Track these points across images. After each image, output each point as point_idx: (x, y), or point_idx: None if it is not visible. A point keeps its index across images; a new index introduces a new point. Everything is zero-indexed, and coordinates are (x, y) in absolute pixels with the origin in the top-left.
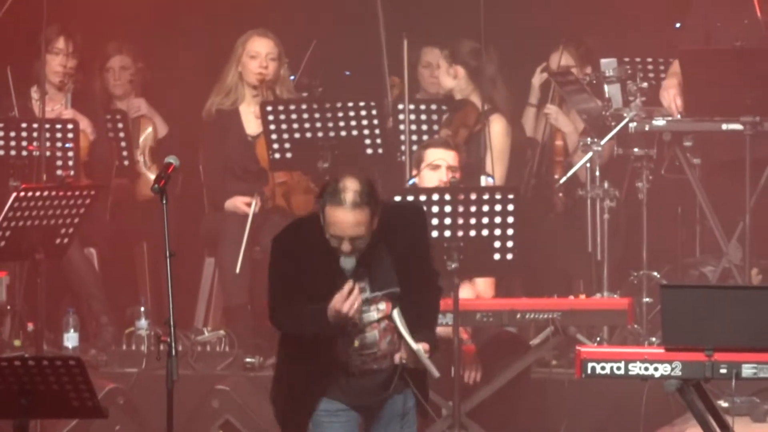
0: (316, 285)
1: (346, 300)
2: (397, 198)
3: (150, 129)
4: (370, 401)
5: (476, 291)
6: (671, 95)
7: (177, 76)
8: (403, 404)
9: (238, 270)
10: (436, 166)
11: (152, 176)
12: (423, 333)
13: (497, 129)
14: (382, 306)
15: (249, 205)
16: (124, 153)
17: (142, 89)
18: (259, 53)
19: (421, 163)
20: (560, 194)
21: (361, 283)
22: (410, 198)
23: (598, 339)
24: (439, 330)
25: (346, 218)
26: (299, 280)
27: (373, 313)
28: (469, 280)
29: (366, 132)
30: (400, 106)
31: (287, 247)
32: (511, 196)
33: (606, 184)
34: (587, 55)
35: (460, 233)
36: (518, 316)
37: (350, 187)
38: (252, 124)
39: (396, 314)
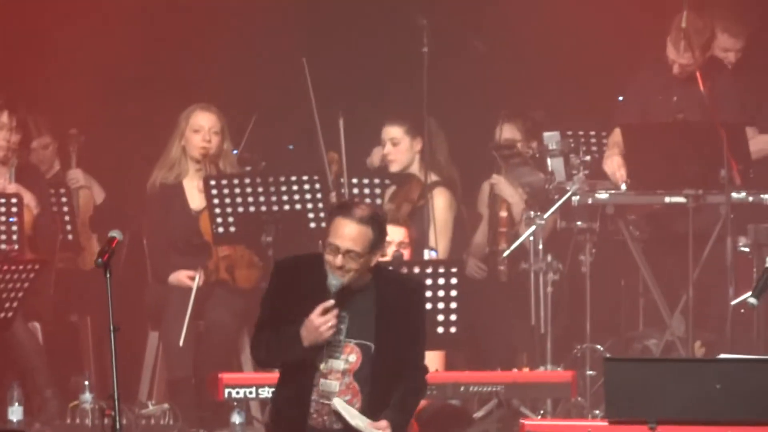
0: (304, 317)
1: (322, 316)
2: None
3: (84, 196)
4: None
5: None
6: (615, 164)
7: (116, 144)
8: None
9: (181, 343)
10: (387, 243)
11: (95, 246)
12: (388, 413)
13: (440, 203)
14: (352, 358)
15: (192, 278)
16: (68, 227)
17: (77, 157)
18: (202, 127)
19: None
20: (502, 266)
21: (340, 325)
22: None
23: (542, 412)
24: None
25: (348, 229)
26: (288, 308)
27: (341, 362)
28: None
29: (309, 206)
30: (343, 180)
31: (286, 273)
32: (454, 270)
33: (549, 257)
34: (533, 129)
35: None
36: (462, 388)
37: (362, 206)
38: (195, 199)
39: (337, 403)
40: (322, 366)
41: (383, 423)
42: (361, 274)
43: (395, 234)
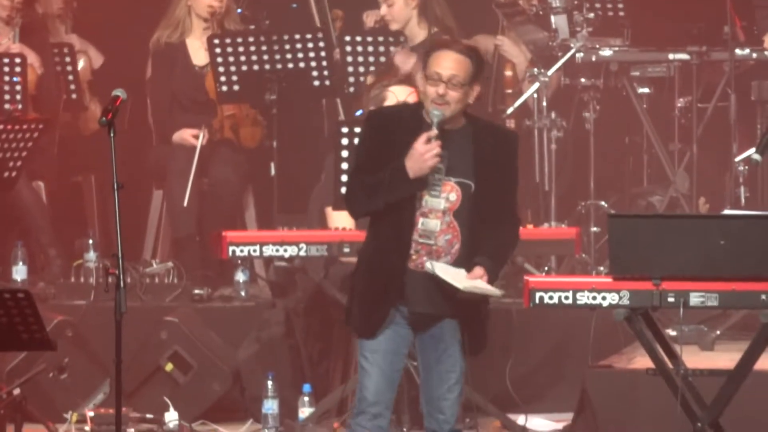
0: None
1: (426, 143)
2: None
3: (83, 60)
4: (422, 309)
5: None
6: None
7: (113, 6)
8: (451, 335)
9: (185, 203)
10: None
11: (94, 108)
12: (484, 260)
13: None
14: (453, 197)
15: (196, 137)
16: (72, 86)
17: (73, 23)
18: None
19: (371, 100)
20: (510, 123)
21: (439, 164)
22: None
23: (546, 269)
24: None
25: (450, 57)
26: (384, 155)
27: (441, 201)
28: None
29: (313, 64)
30: (347, 38)
31: (382, 121)
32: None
33: (553, 115)
34: None
35: None
36: None
37: (459, 42)
38: (200, 56)
39: (430, 266)
40: (423, 204)
41: (479, 270)
42: (459, 109)
43: (400, 92)
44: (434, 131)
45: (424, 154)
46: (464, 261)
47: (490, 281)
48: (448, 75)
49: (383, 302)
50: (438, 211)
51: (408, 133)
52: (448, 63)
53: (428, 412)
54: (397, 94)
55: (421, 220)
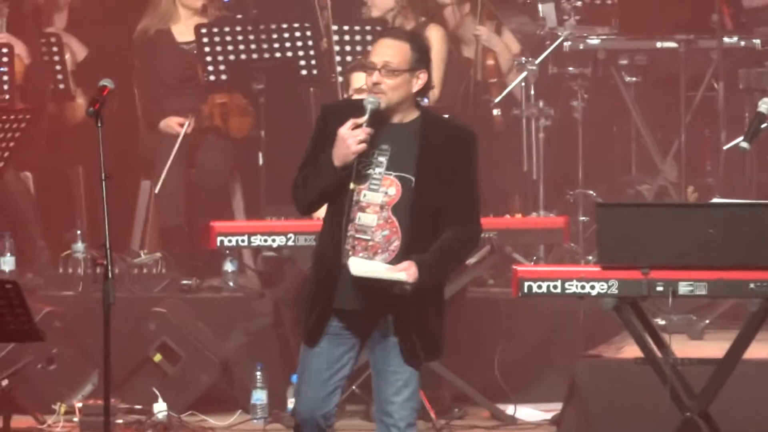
0: None
1: (353, 130)
2: None
3: (67, 54)
4: (354, 307)
5: None
6: None
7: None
8: (387, 335)
9: (157, 190)
10: (362, 90)
11: (79, 100)
12: (416, 256)
13: (434, 35)
14: (392, 191)
15: (182, 125)
16: (60, 76)
17: (57, 14)
18: None
19: (349, 87)
20: (496, 113)
21: (380, 158)
22: None
23: (535, 258)
24: None
25: (384, 44)
26: (330, 150)
27: (379, 195)
28: None
29: (300, 53)
30: (335, 28)
31: (330, 116)
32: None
33: (541, 103)
34: None
35: None
36: None
37: (403, 28)
38: (184, 35)
39: (352, 264)
40: (361, 198)
41: (405, 263)
42: (401, 100)
43: (360, 78)
44: (363, 118)
45: (347, 139)
46: (404, 258)
47: (427, 277)
48: (381, 62)
49: (319, 302)
50: (376, 205)
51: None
52: (382, 50)
53: (377, 417)
54: (358, 79)
55: (358, 214)
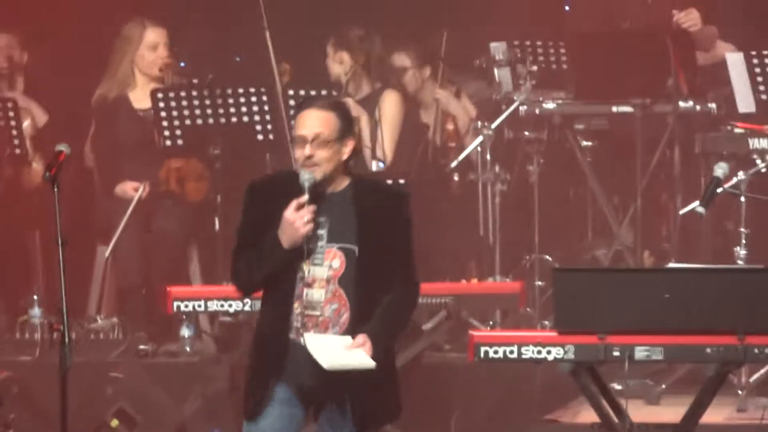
0: None
1: (297, 211)
2: None
3: (27, 120)
4: (310, 382)
5: None
6: None
7: (56, 63)
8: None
9: (107, 254)
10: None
11: (36, 165)
12: (368, 327)
13: (390, 99)
14: (336, 263)
15: (137, 190)
16: (16, 141)
17: (17, 78)
18: (158, 43)
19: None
20: (455, 178)
21: (319, 231)
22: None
23: (491, 323)
24: None
25: (311, 117)
26: (265, 227)
27: (324, 269)
28: None
29: (257, 118)
30: (291, 92)
31: (259, 192)
32: (402, 182)
33: (497, 168)
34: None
35: None
36: None
37: (323, 97)
38: (142, 102)
39: (303, 339)
40: (305, 274)
41: (360, 339)
42: (334, 170)
43: None
44: (304, 197)
45: (294, 222)
46: (355, 331)
47: (381, 347)
48: (311, 135)
49: (264, 379)
50: (322, 279)
51: (286, 200)
52: (311, 122)
53: None
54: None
55: (305, 290)
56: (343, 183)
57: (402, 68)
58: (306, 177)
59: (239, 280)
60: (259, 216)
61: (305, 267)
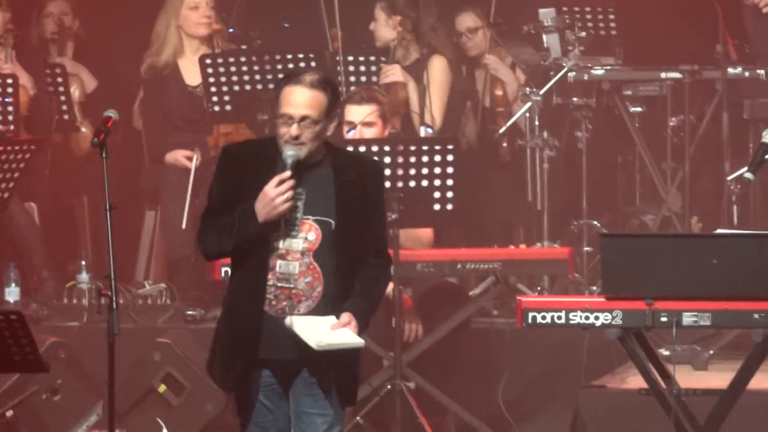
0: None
1: (278, 186)
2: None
3: (75, 85)
4: (283, 357)
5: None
6: None
7: (106, 29)
8: (323, 378)
9: (183, 225)
10: (353, 123)
11: (85, 131)
12: (350, 302)
13: (437, 65)
14: (312, 236)
15: (190, 159)
16: (64, 107)
17: (67, 44)
18: (199, 3)
19: (345, 119)
20: (504, 144)
21: (296, 202)
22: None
23: (539, 288)
24: None
25: (300, 95)
26: (237, 193)
27: (300, 241)
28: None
29: None
30: (338, 58)
31: (235, 158)
32: (450, 147)
33: (545, 134)
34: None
35: (400, 184)
36: (459, 266)
37: (311, 71)
38: (193, 76)
39: (289, 321)
40: (280, 246)
41: (345, 318)
42: (316, 146)
43: (355, 114)
44: (287, 173)
45: (274, 198)
46: (328, 303)
47: (362, 324)
48: (299, 116)
49: (241, 352)
50: (296, 252)
51: (262, 169)
52: (299, 101)
53: None
54: (350, 112)
55: (278, 262)
56: (321, 154)
57: (467, 29)
58: (290, 153)
59: (206, 246)
60: (231, 181)
61: (280, 239)
